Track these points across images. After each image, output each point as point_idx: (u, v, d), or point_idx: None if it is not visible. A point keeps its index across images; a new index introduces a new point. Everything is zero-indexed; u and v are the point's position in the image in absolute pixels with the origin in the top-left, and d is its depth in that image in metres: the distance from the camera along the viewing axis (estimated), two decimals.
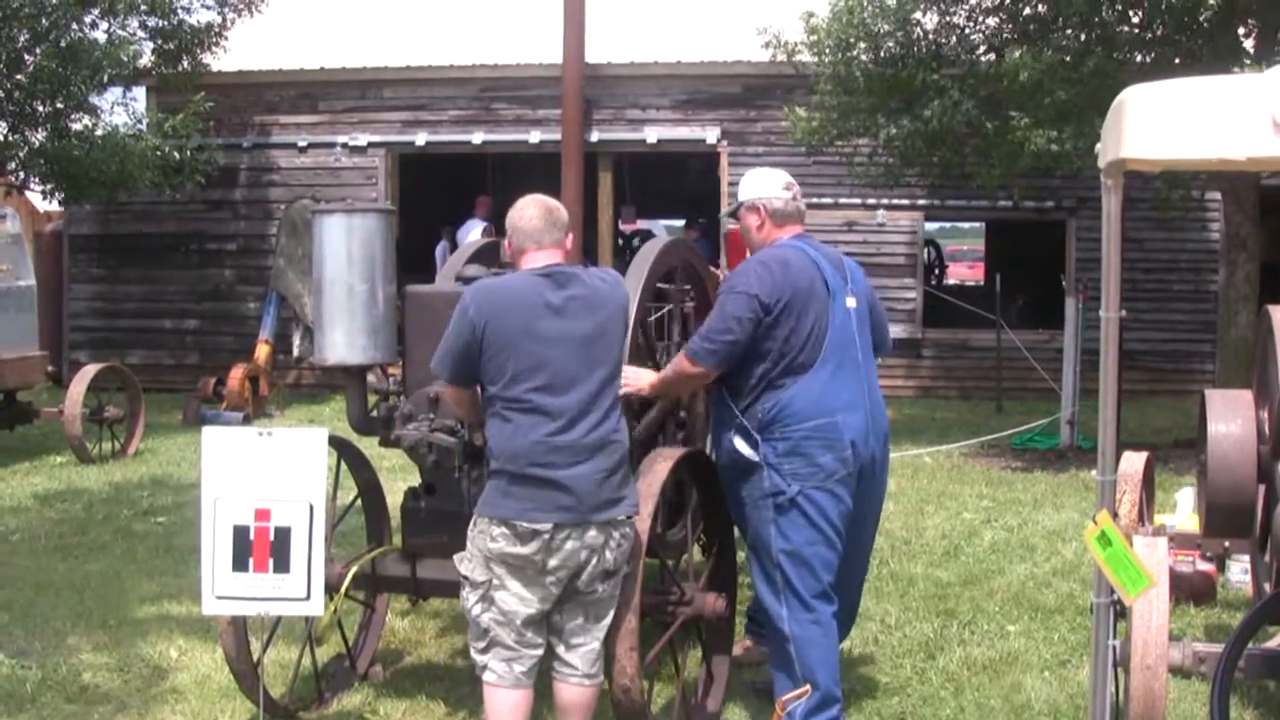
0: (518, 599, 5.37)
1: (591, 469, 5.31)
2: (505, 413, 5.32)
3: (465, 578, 5.47)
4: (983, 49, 14.82)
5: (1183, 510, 9.64)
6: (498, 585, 5.37)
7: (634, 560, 5.59)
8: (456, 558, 5.55)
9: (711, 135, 20.23)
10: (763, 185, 6.39)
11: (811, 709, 5.84)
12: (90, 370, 14.32)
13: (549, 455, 5.26)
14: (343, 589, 6.47)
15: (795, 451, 5.96)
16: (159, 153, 17.45)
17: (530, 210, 5.52)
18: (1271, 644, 5.91)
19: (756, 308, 5.96)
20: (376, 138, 20.86)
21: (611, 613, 5.56)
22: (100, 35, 16.89)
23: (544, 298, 5.33)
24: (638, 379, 6.27)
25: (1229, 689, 5.10)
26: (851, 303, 6.16)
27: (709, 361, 6.05)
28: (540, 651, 5.49)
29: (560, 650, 5.53)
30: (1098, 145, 4.77)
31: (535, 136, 20.46)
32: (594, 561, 5.36)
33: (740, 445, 6.08)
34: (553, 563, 5.30)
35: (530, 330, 5.28)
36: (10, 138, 16.58)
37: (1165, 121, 4.13)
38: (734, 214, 6.53)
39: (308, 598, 6.00)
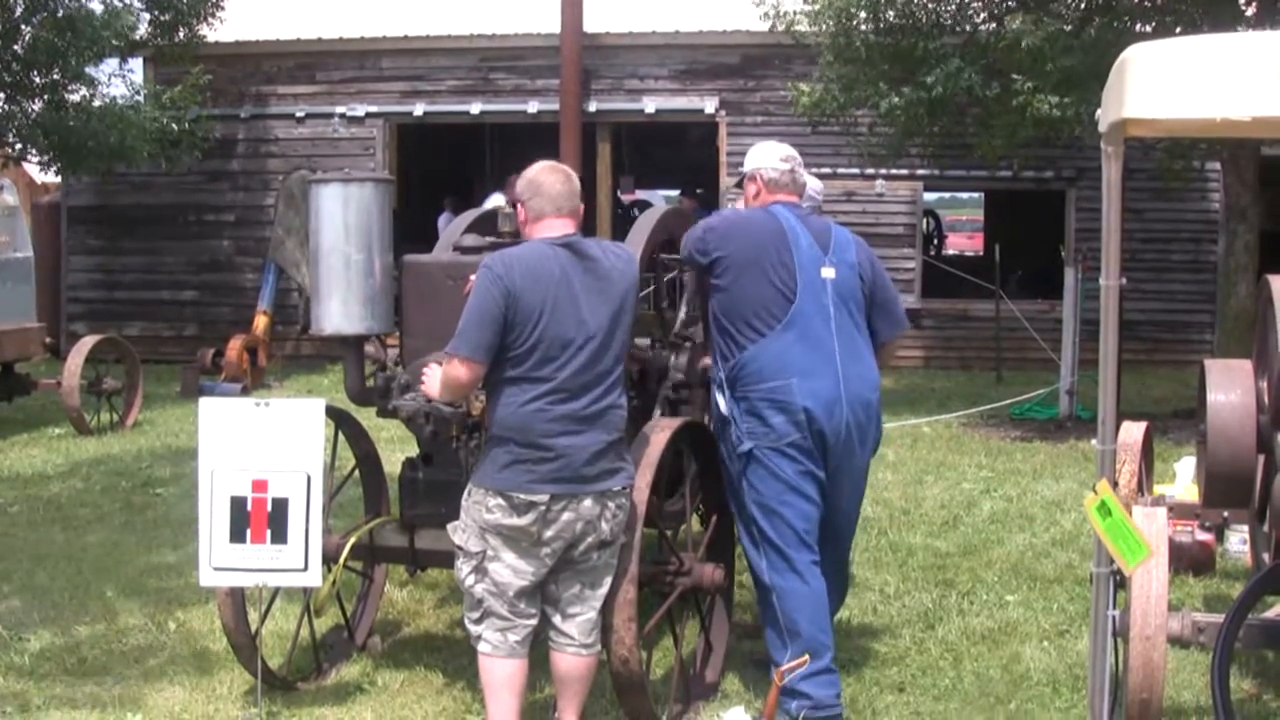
0: (512, 570, 5.37)
1: (590, 439, 5.31)
2: (511, 381, 5.30)
3: (460, 548, 5.47)
4: (983, 17, 14.77)
5: (1182, 480, 9.62)
6: (492, 556, 5.37)
7: (631, 530, 5.59)
8: (450, 528, 5.55)
9: (710, 105, 20.20)
10: (761, 156, 6.50)
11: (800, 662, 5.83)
12: (88, 342, 14.29)
13: (550, 424, 5.26)
14: (341, 560, 6.45)
15: (752, 411, 6.08)
16: (157, 124, 17.42)
17: (553, 175, 5.51)
18: (1270, 614, 5.90)
19: (692, 251, 6.36)
20: (374, 108, 20.84)
21: (608, 582, 5.56)
22: (97, 6, 16.84)
23: (565, 269, 5.32)
24: None
25: (1229, 660, 5.10)
26: (829, 273, 6.18)
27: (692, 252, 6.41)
28: (535, 621, 5.49)
29: (556, 620, 5.53)
30: (1098, 111, 4.74)
31: (534, 106, 20.43)
32: (590, 532, 5.36)
33: (719, 398, 6.25)
34: (548, 534, 5.31)
35: (552, 302, 5.26)
36: (8, 109, 16.53)
37: (1169, 80, 4.10)
38: (739, 184, 6.65)
39: (305, 569, 6.01)
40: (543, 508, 5.26)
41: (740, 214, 6.52)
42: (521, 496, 5.26)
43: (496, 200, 19.00)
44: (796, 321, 6.06)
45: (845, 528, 6.55)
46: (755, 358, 6.06)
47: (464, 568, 5.47)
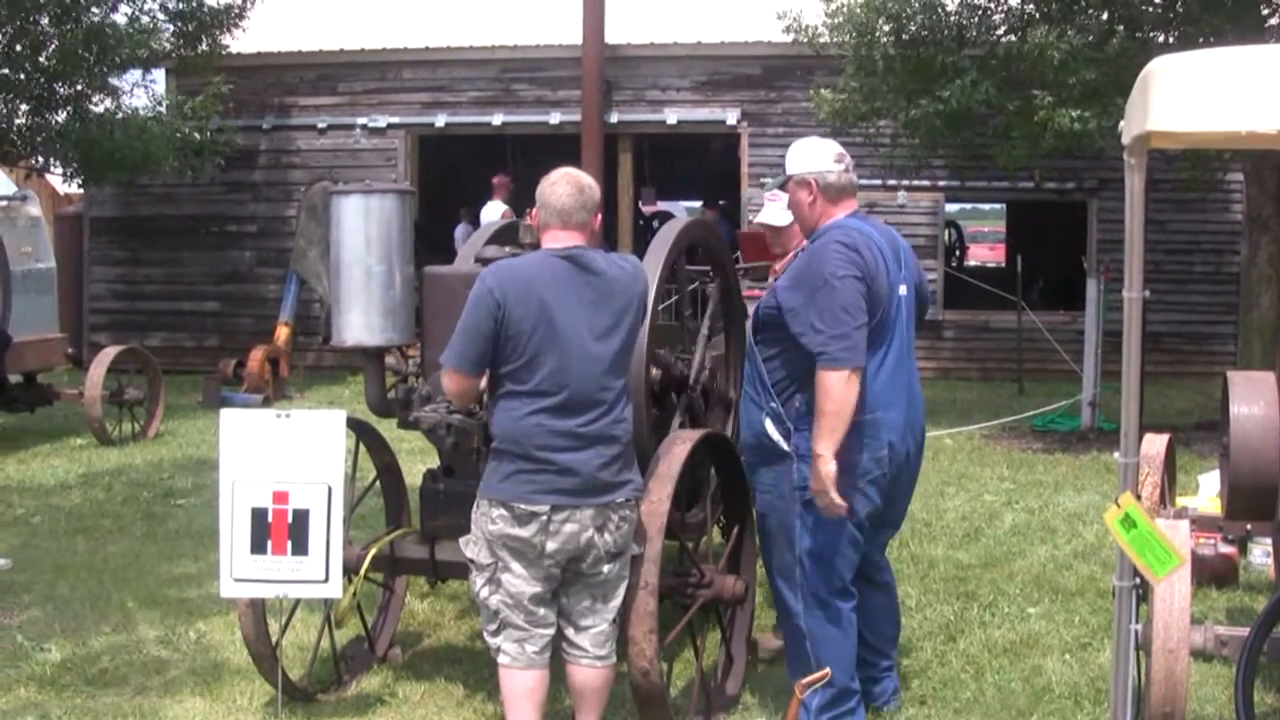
0: (523, 579, 5.37)
1: (592, 455, 5.30)
2: (512, 394, 5.31)
3: (471, 561, 5.47)
4: (1004, 29, 14.75)
5: (1205, 493, 9.59)
6: (503, 567, 5.38)
7: (650, 542, 5.57)
8: (461, 541, 5.55)
9: (731, 116, 20.18)
10: (814, 158, 5.97)
11: (827, 703, 5.78)
12: (110, 352, 14.33)
13: (550, 439, 5.26)
14: (361, 571, 6.46)
15: None
16: (179, 135, 17.47)
17: (562, 187, 5.42)
18: None
19: (864, 290, 5.59)
20: (396, 119, 20.87)
21: (620, 593, 5.54)
22: (121, 18, 16.88)
23: (562, 281, 5.30)
24: (822, 479, 5.59)
25: (1254, 673, 5.07)
26: (903, 290, 5.89)
27: (856, 359, 5.53)
28: (552, 630, 5.49)
29: (569, 633, 5.53)
30: (1121, 123, 4.72)
31: (555, 118, 20.44)
32: (594, 544, 5.35)
33: (772, 432, 5.83)
34: (551, 546, 5.30)
35: (547, 313, 5.24)
36: (32, 120, 16.59)
37: (1193, 92, 4.08)
38: (782, 186, 6.15)
39: (326, 580, 6.01)
40: (544, 518, 5.26)
41: (856, 241, 5.72)
42: (523, 507, 5.26)
43: (494, 207, 19.08)
44: (881, 348, 5.74)
45: (889, 535, 6.45)
46: None
47: (478, 580, 5.47)
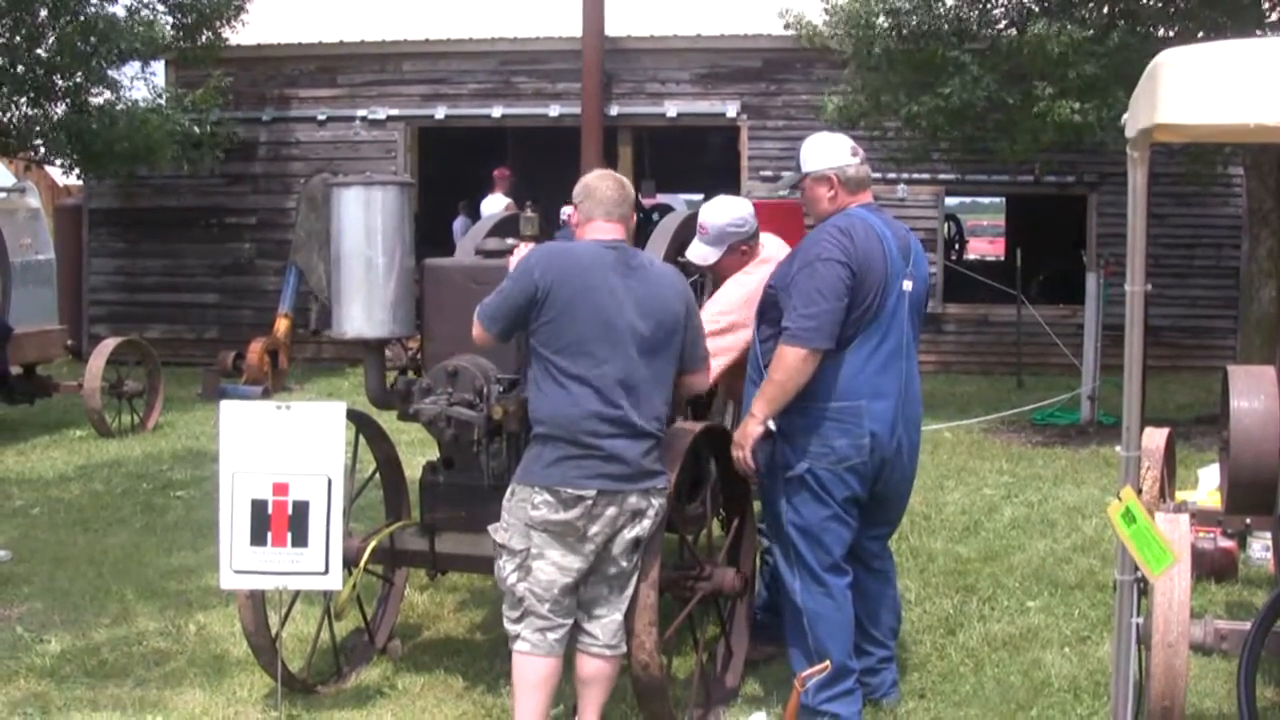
0: (556, 567, 5.41)
1: (635, 442, 5.38)
2: (556, 381, 5.37)
3: (502, 546, 5.49)
4: (1004, 24, 14.74)
5: (1205, 487, 9.58)
6: (536, 554, 5.41)
7: (653, 534, 5.59)
8: (492, 527, 5.57)
9: (731, 109, 20.15)
10: (832, 153, 6.06)
11: (825, 682, 5.80)
12: (110, 344, 14.29)
13: (597, 425, 5.32)
14: (361, 563, 6.45)
15: (811, 430, 5.83)
16: (179, 127, 17.45)
17: (608, 181, 5.65)
18: None
19: (846, 275, 5.69)
20: (396, 111, 20.82)
21: (635, 584, 5.57)
22: (119, 10, 16.87)
23: (612, 271, 5.42)
24: (742, 435, 5.92)
25: (1255, 668, 5.07)
26: (908, 286, 5.93)
27: (818, 341, 5.67)
28: (572, 620, 5.53)
29: (583, 621, 5.56)
30: (1124, 117, 4.72)
31: (555, 110, 20.41)
32: (629, 528, 5.42)
33: None
34: (593, 529, 5.36)
35: (594, 301, 5.35)
36: (31, 113, 16.57)
37: (1202, 85, 4.06)
38: (797, 185, 6.20)
39: (326, 572, 6.00)
40: (589, 502, 5.32)
41: (851, 226, 5.82)
42: (570, 491, 5.31)
43: (495, 200, 19.05)
44: (873, 337, 5.80)
45: (889, 530, 6.46)
46: (826, 373, 5.75)
47: (506, 566, 5.48)
